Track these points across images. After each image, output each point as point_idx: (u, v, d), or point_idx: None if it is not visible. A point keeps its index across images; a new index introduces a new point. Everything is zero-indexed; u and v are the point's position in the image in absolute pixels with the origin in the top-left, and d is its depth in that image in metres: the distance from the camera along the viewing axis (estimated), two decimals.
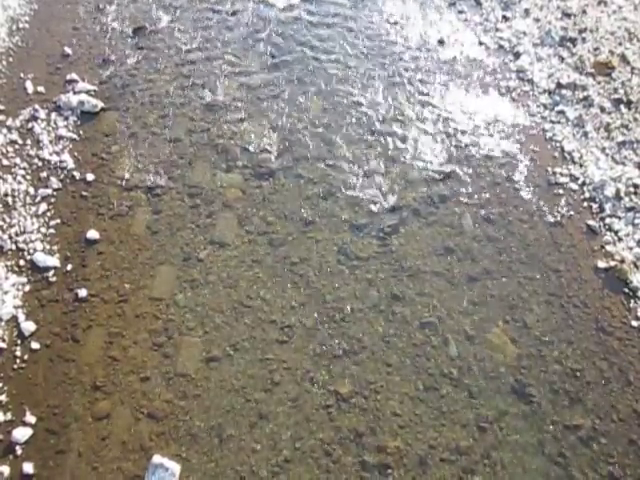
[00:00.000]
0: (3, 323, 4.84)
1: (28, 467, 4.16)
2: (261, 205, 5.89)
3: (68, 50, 7.37)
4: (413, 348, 4.91)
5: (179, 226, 5.66)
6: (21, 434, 4.29)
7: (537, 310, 5.23)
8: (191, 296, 5.14)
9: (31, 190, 5.80)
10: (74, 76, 7.01)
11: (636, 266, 5.53)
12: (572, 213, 6.06)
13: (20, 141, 6.24)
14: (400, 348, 4.91)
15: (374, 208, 5.92)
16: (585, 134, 6.84)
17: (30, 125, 6.40)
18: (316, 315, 5.07)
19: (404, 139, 6.68)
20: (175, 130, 6.60)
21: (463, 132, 6.83)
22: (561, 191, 6.27)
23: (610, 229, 5.88)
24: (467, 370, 4.81)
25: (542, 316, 5.19)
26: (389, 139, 6.67)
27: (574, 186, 6.32)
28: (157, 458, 4.18)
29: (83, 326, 4.87)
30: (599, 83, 7.42)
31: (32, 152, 6.16)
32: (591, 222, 5.94)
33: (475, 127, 6.92)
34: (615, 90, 7.29)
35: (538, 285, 5.41)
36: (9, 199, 5.68)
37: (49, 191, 5.81)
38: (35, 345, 4.74)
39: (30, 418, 4.37)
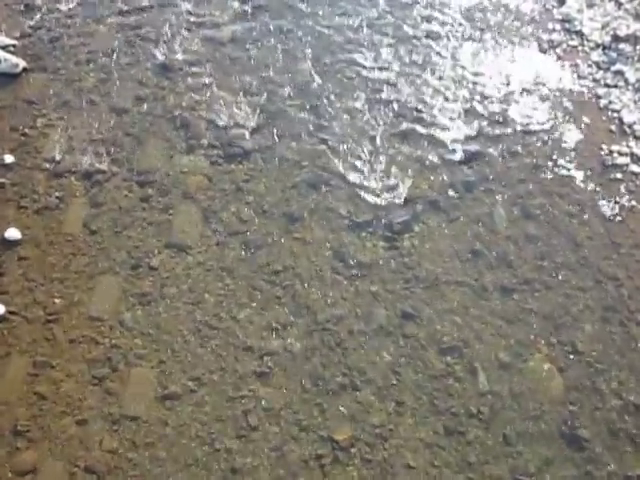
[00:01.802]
0: None
1: None
2: (233, 196, 5.88)
3: None
4: (431, 381, 4.91)
5: (126, 223, 5.64)
6: None
7: (590, 330, 5.25)
8: (142, 315, 5.12)
9: None
10: None
11: None
12: (634, 204, 6.08)
13: None
14: (414, 381, 4.91)
15: (380, 200, 5.92)
16: None
17: None
18: (305, 339, 5.06)
19: (418, 110, 6.68)
20: (120, 98, 6.58)
21: (494, 100, 6.84)
22: (619, 175, 6.30)
23: None
24: (501, 408, 4.82)
25: (597, 337, 5.21)
26: (398, 109, 6.67)
27: (636, 168, 6.35)
28: None
29: (0, 353, 4.84)
30: None
31: None
32: None
33: (509, 93, 6.93)
34: None
35: (591, 297, 5.43)
36: None
37: None
38: None
39: None
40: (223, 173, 6.05)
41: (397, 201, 5.92)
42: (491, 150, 6.41)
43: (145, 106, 6.53)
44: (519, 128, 6.64)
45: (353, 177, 6.07)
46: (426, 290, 5.39)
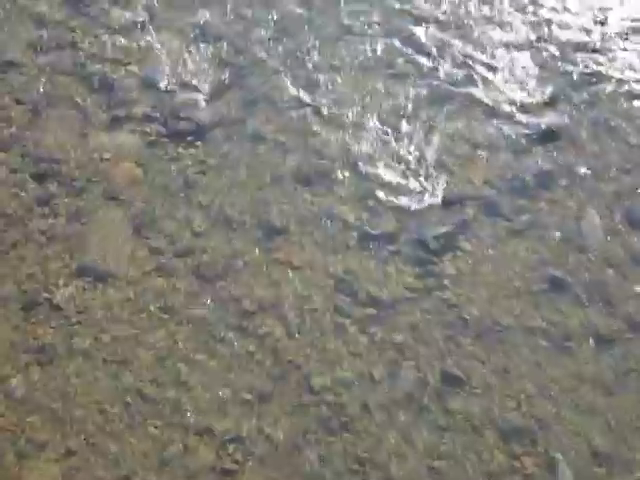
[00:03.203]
0: None
1: None
2: (180, 196, 5.91)
3: None
4: None
5: (14, 239, 5.65)
6: None
7: None
8: (40, 380, 5.08)
9: None
10: None
11: None
12: None
13: None
14: None
15: (408, 201, 5.93)
16: None
17: None
18: (293, 417, 5.02)
19: (464, 62, 6.73)
20: (7, 45, 6.65)
21: (582, 46, 6.88)
22: None
23: None
24: None
25: None
26: (434, 61, 6.72)
27: None
28: None
29: None
30: None
31: None
32: None
33: (604, 37, 6.96)
34: None
35: None
36: None
37: None
38: None
39: None
40: (165, 160, 6.07)
41: (434, 203, 5.93)
42: (577, 124, 6.43)
43: (45, 57, 6.57)
44: (620, 90, 6.66)
45: (366, 166, 6.08)
46: (479, 340, 5.36)
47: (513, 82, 6.63)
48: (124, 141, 6.14)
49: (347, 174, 6.06)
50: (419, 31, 6.91)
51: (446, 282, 5.60)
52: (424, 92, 6.53)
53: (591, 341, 5.40)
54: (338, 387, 5.15)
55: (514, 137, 6.33)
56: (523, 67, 6.71)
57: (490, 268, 5.69)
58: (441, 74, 6.65)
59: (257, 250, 5.69)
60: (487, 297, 5.56)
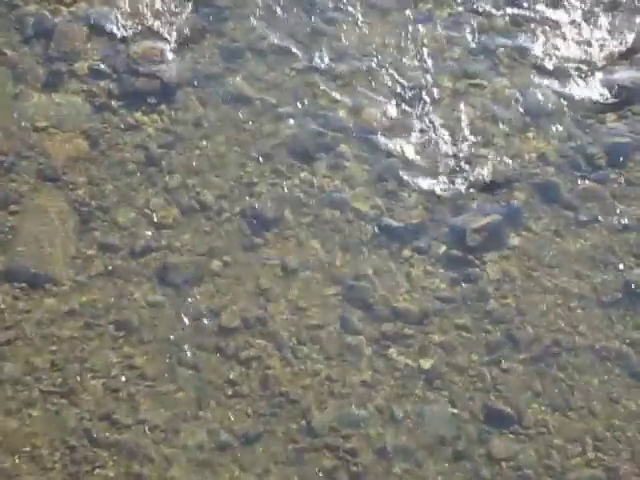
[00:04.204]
0: None
1: None
2: (141, 176, 5.88)
3: None
4: None
5: None
6: None
7: None
8: None
9: None
10: None
11: None
12: None
13: None
14: None
15: (440, 184, 5.89)
16: None
17: None
18: (287, 467, 4.97)
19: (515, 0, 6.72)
20: None
21: None
22: None
23: None
24: None
25: None
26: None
27: None
28: None
29: None
30: None
31: None
32: None
33: None
34: None
35: None
36: None
37: None
38: None
39: None
40: (120, 129, 6.05)
41: (474, 185, 5.91)
42: None
43: None
44: None
45: (383, 137, 6.06)
46: (532, 366, 5.33)
47: (577, 29, 6.61)
48: (66, 104, 6.12)
49: (358, 147, 6.03)
50: None
51: (489, 289, 5.58)
52: (460, 41, 6.51)
53: None
54: (346, 427, 5.12)
55: (577, 100, 6.33)
56: (590, 9, 6.67)
57: (546, 270, 5.67)
58: (482, 18, 6.65)
59: (240, 247, 5.67)
60: (543, 309, 5.54)
